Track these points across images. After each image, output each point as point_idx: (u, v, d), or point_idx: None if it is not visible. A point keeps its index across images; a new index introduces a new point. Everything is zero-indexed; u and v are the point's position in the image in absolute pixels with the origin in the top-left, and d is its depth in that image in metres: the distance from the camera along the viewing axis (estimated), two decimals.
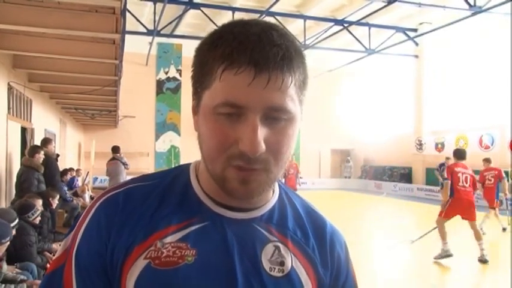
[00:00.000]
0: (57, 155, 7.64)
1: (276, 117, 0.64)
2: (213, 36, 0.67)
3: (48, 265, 4.46)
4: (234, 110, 0.63)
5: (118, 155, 9.77)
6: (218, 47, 0.64)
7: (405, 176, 20.45)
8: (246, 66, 0.61)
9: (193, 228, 0.71)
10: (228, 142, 0.64)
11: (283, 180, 9.69)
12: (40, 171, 6.17)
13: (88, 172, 12.88)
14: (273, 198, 0.78)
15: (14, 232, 3.71)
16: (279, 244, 0.74)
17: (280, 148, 0.66)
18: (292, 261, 0.74)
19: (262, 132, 0.63)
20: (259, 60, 0.61)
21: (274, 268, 0.72)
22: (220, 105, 0.63)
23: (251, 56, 0.61)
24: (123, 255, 0.68)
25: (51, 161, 6.89)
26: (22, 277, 3.72)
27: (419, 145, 19.30)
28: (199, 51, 0.68)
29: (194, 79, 0.69)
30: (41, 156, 6.24)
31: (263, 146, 0.63)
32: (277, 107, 0.63)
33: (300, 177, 12.94)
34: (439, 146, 18.19)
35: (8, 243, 3.52)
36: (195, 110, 0.71)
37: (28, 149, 6.68)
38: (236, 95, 0.62)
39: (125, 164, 9.68)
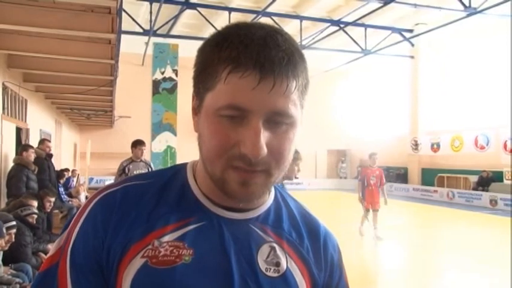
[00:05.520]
0: (48, 155, 7.35)
1: (278, 121, 0.65)
2: (217, 38, 0.66)
3: None
4: (237, 112, 0.63)
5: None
6: (223, 49, 0.64)
7: (401, 176, 20.52)
8: (252, 70, 0.61)
9: (190, 227, 0.71)
10: (229, 144, 0.64)
11: (360, 193, 8.45)
12: (30, 168, 6.13)
13: (78, 173, 12.77)
14: (268, 199, 0.78)
15: (8, 231, 3.68)
16: (275, 245, 0.75)
17: (281, 152, 0.66)
18: (287, 261, 0.74)
19: (264, 136, 0.63)
20: (264, 64, 0.61)
21: (270, 268, 0.72)
22: (223, 107, 0.63)
23: (257, 60, 0.61)
24: (120, 254, 0.68)
25: (40, 161, 6.80)
26: (18, 280, 3.70)
27: (415, 145, 19.36)
28: (202, 52, 0.68)
29: (196, 79, 0.69)
30: (29, 154, 6.21)
31: (265, 150, 0.63)
32: (280, 111, 0.64)
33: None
34: (435, 146, 18.26)
35: (1, 242, 3.50)
36: (196, 110, 0.71)
37: (19, 148, 6.66)
38: (240, 99, 0.62)
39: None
